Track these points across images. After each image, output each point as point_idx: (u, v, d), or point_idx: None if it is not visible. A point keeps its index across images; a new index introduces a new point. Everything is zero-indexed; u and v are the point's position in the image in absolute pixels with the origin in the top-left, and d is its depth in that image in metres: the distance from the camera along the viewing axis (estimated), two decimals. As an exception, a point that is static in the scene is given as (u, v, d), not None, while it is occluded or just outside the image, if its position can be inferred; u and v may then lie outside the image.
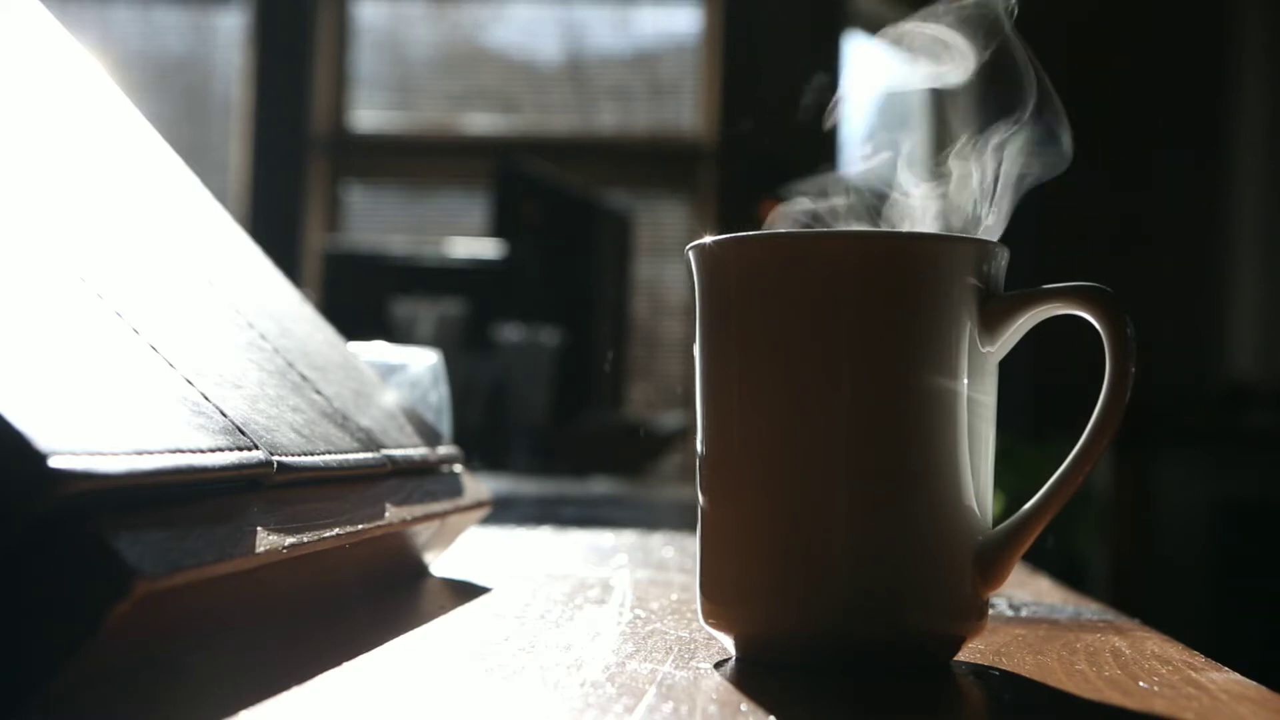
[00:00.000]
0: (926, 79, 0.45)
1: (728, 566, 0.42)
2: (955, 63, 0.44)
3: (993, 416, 0.42)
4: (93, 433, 0.32)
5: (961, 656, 0.43)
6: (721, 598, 0.42)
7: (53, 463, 0.29)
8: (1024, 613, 0.54)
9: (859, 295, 0.40)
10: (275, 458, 0.41)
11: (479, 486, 0.66)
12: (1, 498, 0.29)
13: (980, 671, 0.41)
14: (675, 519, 1.03)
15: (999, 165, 0.43)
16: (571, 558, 0.70)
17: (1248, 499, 3.19)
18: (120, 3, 3.78)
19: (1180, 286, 3.58)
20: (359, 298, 2.33)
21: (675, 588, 0.58)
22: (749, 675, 0.39)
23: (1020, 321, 0.41)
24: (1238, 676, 0.40)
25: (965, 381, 0.40)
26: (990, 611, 0.44)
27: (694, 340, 0.44)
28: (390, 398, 0.63)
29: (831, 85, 0.46)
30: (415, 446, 0.59)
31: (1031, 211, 0.44)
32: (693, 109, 3.73)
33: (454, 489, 0.61)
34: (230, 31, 3.76)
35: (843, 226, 0.46)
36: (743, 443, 0.41)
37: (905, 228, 0.45)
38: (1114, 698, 0.37)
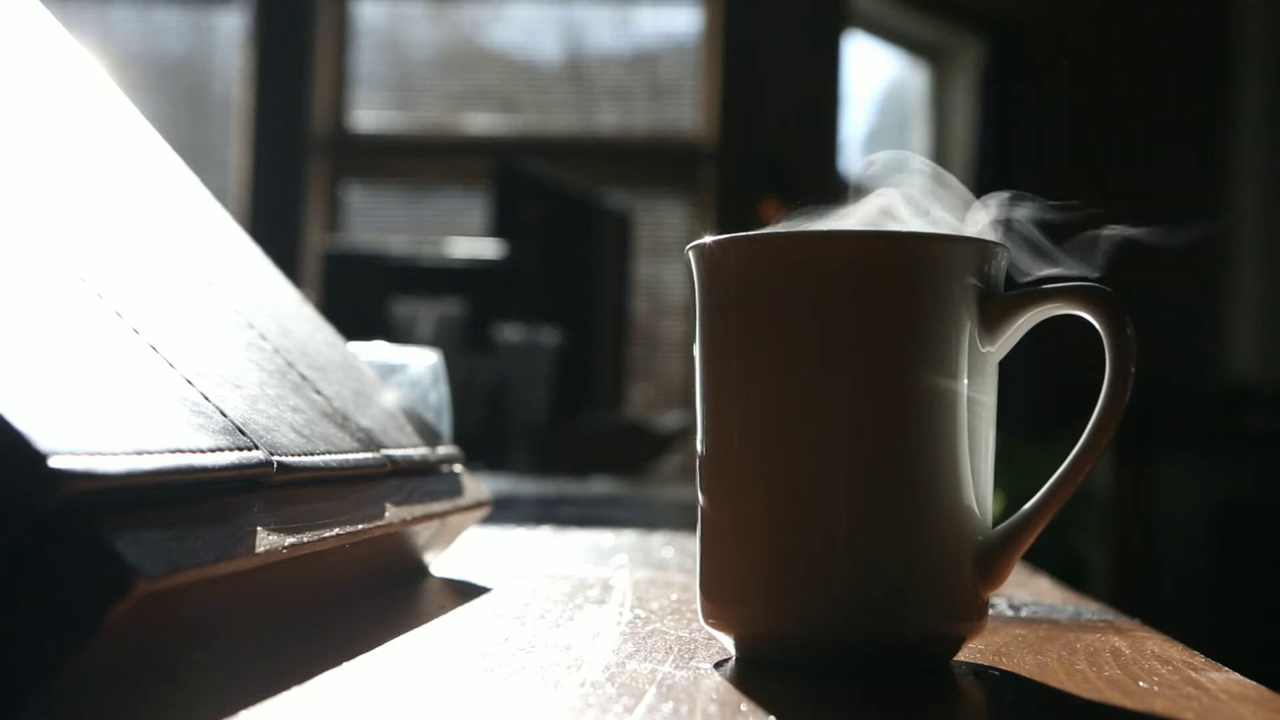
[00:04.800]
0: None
1: (728, 566, 0.42)
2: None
3: (993, 416, 0.42)
4: (93, 433, 0.32)
5: (961, 656, 0.43)
6: (721, 598, 0.42)
7: (53, 463, 0.29)
8: (1024, 613, 0.54)
9: (859, 295, 0.40)
10: (275, 458, 0.41)
11: (479, 486, 0.66)
12: (1, 498, 0.29)
13: (980, 671, 0.41)
14: (675, 519, 1.03)
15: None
16: (571, 558, 0.70)
17: (1248, 499, 3.19)
18: (120, 3, 3.78)
19: (1180, 287, 3.57)
20: (359, 298, 2.33)
21: (675, 588, 0.58)
22: (749, 675, 0.39)
23: (1020, 321, 0.41)
24: (1238, 676, 0.40)
25: (965, 381, 0.40)
26: (990, 611, 0.44)
27: (694, 340, 0.44)
28: (390, 398, 0.63)
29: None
30: (415, 446, 0.59)
31: (1030, 211, 0.44)
32: (693, 109, 3.73)
33: (454, 489, 0.61)
34: (230, 31, 3.75)
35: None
36: (743, 443, 0.41)
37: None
38: (1114, 698, 0.37)
